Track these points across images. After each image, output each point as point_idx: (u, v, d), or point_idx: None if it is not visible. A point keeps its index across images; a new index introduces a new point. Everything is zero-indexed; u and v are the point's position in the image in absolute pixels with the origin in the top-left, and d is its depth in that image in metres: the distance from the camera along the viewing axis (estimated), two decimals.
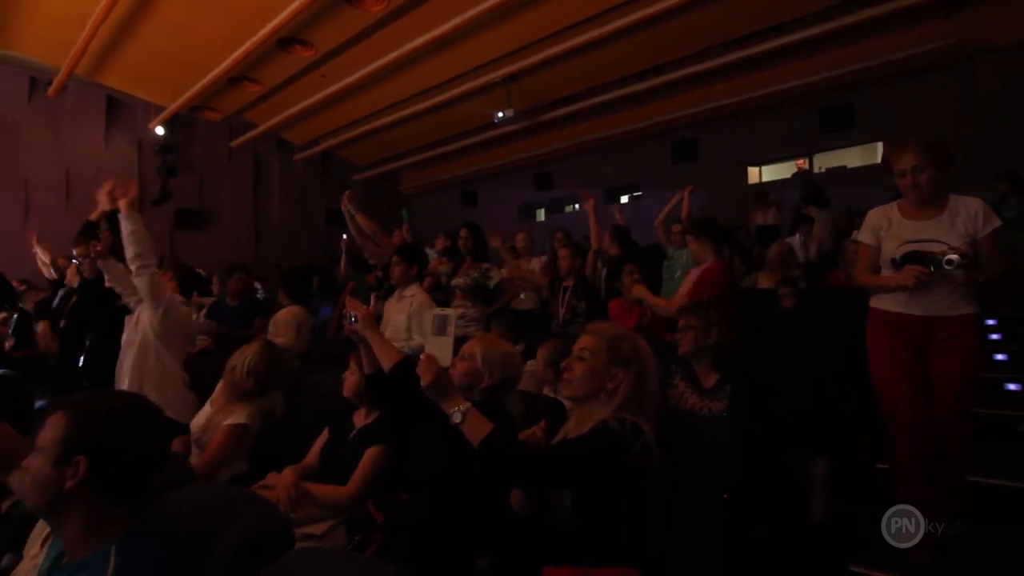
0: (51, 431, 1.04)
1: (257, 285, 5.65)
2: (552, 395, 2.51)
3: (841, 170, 7.75)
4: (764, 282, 4.19)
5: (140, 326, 2.66)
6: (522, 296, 4.30)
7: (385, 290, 3.91)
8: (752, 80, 7.14)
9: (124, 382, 2.60)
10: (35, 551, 1.53)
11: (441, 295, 3.77)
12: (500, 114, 7.57)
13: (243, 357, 2.34)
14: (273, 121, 8.49)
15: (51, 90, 7.27)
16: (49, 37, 6.33)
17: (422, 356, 1.49)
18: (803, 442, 2.16)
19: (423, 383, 1.45)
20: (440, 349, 1.52)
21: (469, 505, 1.63)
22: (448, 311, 1.53)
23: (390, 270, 3.43)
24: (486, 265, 3.91)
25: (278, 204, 9.84)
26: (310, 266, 5.58)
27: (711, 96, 7.59)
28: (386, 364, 1.66)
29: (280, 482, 1.84)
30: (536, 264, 4.34)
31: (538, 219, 10.70)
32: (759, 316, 3.40)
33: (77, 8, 5.66)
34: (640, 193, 9.27)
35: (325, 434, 2.33)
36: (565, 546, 1.42)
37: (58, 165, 7.61)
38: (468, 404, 1.44)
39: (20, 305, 4.68)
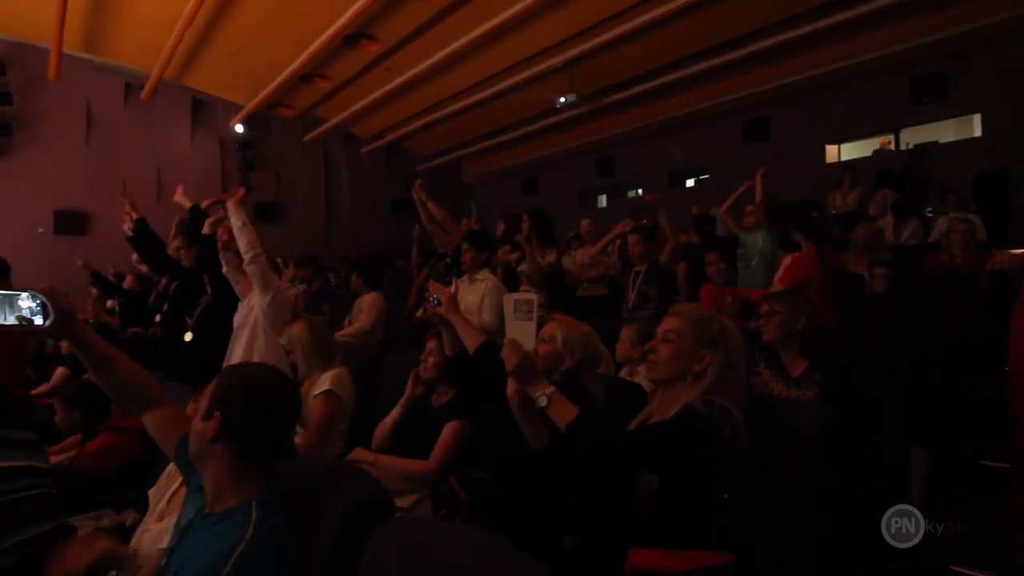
0: (209, 390, 1.16)
1: (330, 275, 5.93)
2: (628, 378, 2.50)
3: (932, 146, 7.17)
4: (849, 266, 3.95)
5: (252, 311, 2.86)
6: (584, 284, 4.26)
7: (454, 275, 3.99)
8: (831, 52, 6.71)
9: (235, 361, 2.82)
10: (162, 506, 1.69)
11: (514, 284, 3.81)
12: (562, 99, 7.50)
13: (289, 338, 2.49)
14: (342, 116, 8.80)
15: (144, 94, 7.85)
16: (141, 43, 6.82)
17: (506, 340, 1.49)
18: (901, 433, 2.04)
19: (508, 367, 1.46)
20: (523, 333, 1.52)
21: (551, 486, 1.65)
22: (530, 295, 1.52)
23: (462, 256, 3.46)
24: (550, 250, 3.91)
25: (347, 196, 10.21)
26: (383, 255, 5.77)
27: (785, 72, 7.20)
28: (471, 346, 1.70)
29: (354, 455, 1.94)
30: (599, 249, 4.27)
31: (599, 205, 10.56)
32: (844, 300, 3.22)
33: (165, 13, 6.06)
34: (707, 176, 8.95)
35: (394, 413, 2.41)
36: (651, 528, 1.41)
37: (150, 164, 8.22)
38: (553, 388, 1.44)
39: (125, 288, 5.14)
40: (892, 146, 7.52)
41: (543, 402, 1.42)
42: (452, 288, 1.89)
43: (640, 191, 9.97)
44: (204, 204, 3.60)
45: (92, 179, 7.75)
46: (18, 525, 1.88)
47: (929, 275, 3.50)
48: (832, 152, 8.08)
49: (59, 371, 3.88)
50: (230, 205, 2.84)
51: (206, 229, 3.13)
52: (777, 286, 2.57)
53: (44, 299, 1.13)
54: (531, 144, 10.00)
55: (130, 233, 3.88)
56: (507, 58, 7.22)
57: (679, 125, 8.70)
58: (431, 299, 1.81)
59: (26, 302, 1.13)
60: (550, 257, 3.94)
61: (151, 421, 1.32)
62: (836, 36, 6.37)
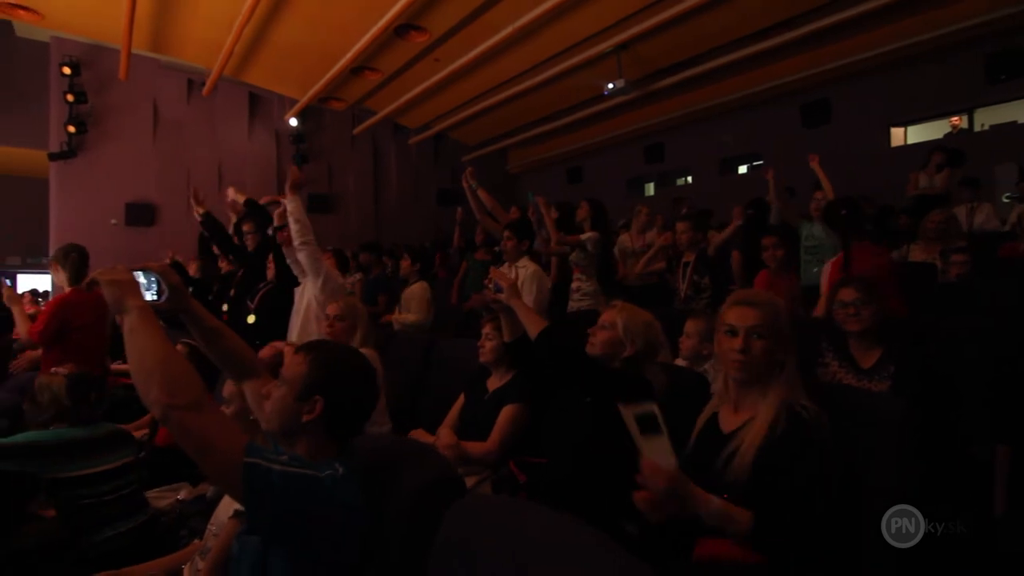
0: (295, 368, 1.20)
1: (386, 260, 6.07)
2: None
3: (1010, 127, 6.68)
4: (917, 254, 3.74)
5: (305, 296, 2.97)
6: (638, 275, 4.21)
7: (501, 263, 4.02)
8: (896, 29, 6.32)
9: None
10: None
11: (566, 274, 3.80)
12: (610, 85, 7.37)
13: (347, 307, 2.56)
14: (390, 107, 8.94)
15: (205, 90, 8.20)
16: (202, 42, 7.10)
17: (646, 464, 1.26)
18: (983, 428, 1.93)
19: (654, 499, 1.25)
20: (658, 450, 1.23)
21: (613, 475, 1.64)
22: (650, 405, 1.26)
23: (502, 244, 3.46)
24: (589, 235, 3.84)
25: (395, 186, 10.39)
26: (434, 244, 5.86)
27: (846, 51, 6.84)
28: (532, 331, 1.70)
29: (441, 441, 1.98)
30: (652, 237, 4.21)
31: (647, 193, 10.36)
32: (914, 290, 3.06)
33: (225, 12, 6.29)
34: (761, 162, 8.63)
35: (462, 399, 2.46)
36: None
37: (211, 157, 8.58)
38: (718, 500, 1.23)
39: (190, 276, 5.42)
40: (964, 126, 7.06)
41: (713, 520, 1.22)
42: (511, 275, 1.90)
43: (690, 178, 9.73)
44: (261, 201, 3.77)
45: (158, 173, 8.17)
46: (108, 521, 2.05)
47: (1007, 263, 3.28)
48: (898, 135, 7.65)
49: None
50: (287, 190, 2.95)
51: (277, 221, 3.28)
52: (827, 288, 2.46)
53: (157, 277, 1.21)
54: (577, 132, 9.90)
55: (201, 225, 4.13)
56: (555, 45, 7.15)
57: (732, 109, 8.42)
58: (491, 285, 1.82)
59: (140, 280, 1.21)
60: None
61: (249, 389, 1.41)
62: (902, 11, 6.00)
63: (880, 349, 1.92)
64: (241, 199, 3.81)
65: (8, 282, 2.95)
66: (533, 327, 1.71)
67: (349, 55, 7.13)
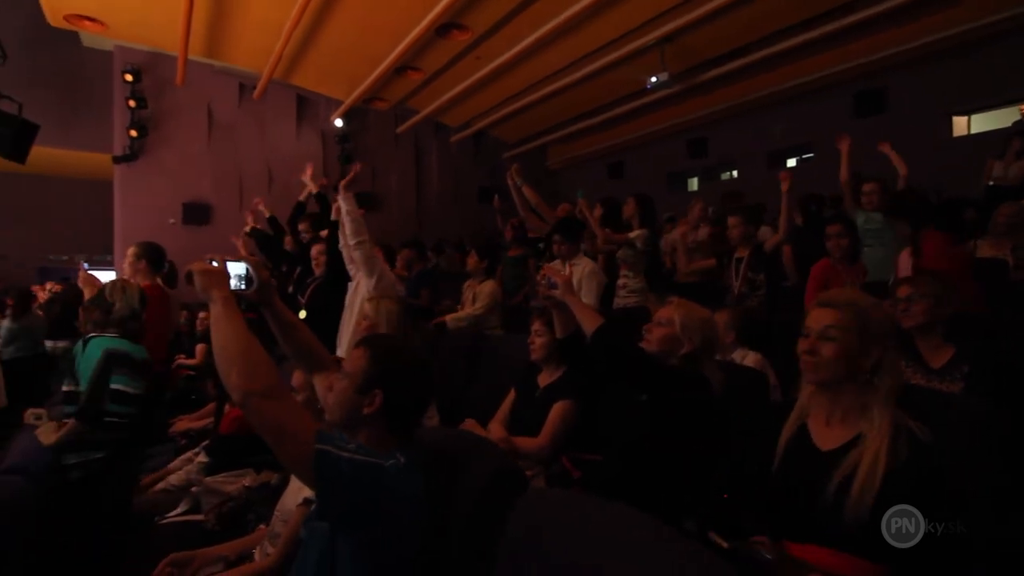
0: (356, 362, 1.25)
1: (430, 254, 6.18)
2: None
3: None
4: (986, 250, 3.55)
5: (359, 292, 3.05)
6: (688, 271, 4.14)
7: (546, 259, 4.02)
8: (958, 12, 5.99)
9: (343, 339, 3.02)
10: None
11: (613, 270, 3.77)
12: (653, 79, 7.25)
13: (379, 309, 2.61)
14: (432, 106, 9.04)
15: (256, 93, 8.48)
16: (253, 46, 7.34)
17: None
18: None
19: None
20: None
21: (670, 472, 1.63)
22: None
23: (554, 247, 3.45)
24: (638, 232, 3.79)
25: (436, 184, 10.52)
26: (497, 239, 5.89)
27: (904, 36, 6.51)
28: (588, 327, 1.70)
29: (492, 436, 2.00)
30: (704, 233, 4.13)
31: (690, 188, 10.16)
32: (984, 287, 2.91)
33: (274, 16, 6.48)
34: (812, 154, 8.34)
35: (512, 394, 2.48)
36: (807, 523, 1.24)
37: (261, 158, 8.88)
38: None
39: None
40: None
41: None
42: (566, 271, 1.91)
43: (735, 173, 9.48)
44: (319, 184, 3.91)
45: (213, 174, 8.50)
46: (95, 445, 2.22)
47: None
48: (961, 124, 7.26)
49: (200, 347, 4.33)
50: (341, 188, 3.03)
51: (335, 215, 3.39)
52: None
53: (251, 270, 1.29)
54: (618, 128, 9.77)
55: (247, 232, 4.36)
56: (596, 40, 7.08)
57: (780, 100, 8.16)
58: (545, 281, 1.83)
59: (235, 270, 1.30)
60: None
61: (318, 381, 1.47)
62: None
63: (951, 348, 1.84)
64: (315, 188, 4.01)
65: (86, 265, 3.15)
66: (589, 323, 1.71)
67: (393, 55, 7.24)
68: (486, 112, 9.46)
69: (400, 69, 7.83)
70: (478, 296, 3.73)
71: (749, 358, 2.45)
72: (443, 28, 6.80)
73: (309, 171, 4.28)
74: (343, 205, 3.01)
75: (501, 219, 5.20)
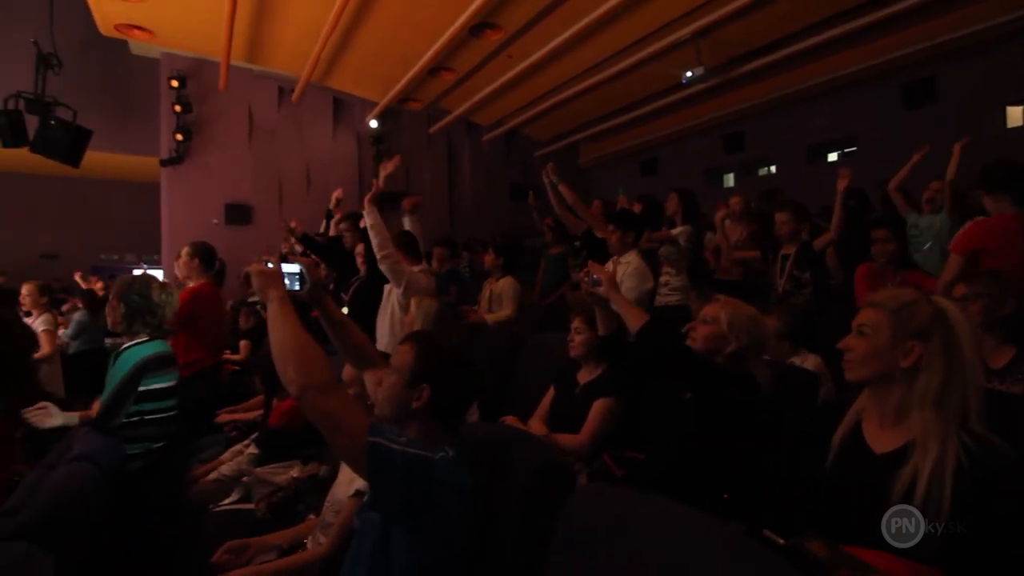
0: (404, 357, 1.29)
1: (466, 253, 6.23)
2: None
3: None
4: None
5: (392, 296, 3.10)
6: (724, 265, 4.07)
7: (583, 259, 4.01)
8: None
9: (381, 337, 3.09)
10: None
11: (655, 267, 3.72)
12: (688, 73, 7.13)
13: (419, 308, 2.63)
14: (465, 106, 9.10)
15: (294, 96, 8.70)
16: (292, 50, 7.53)
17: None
18: None
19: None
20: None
21: (716, 471, 1.61)
22: None
23: (608, 238, 3.38)
24: (681, 229, 3.75)
25: (468, 183, 10.59)
26: (519, 238, 5.92)
27: (954, 24, 6.24)
28: (633, 325, 1.70)
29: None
30: (744, 231, 4.05)
31: (726, 185, 9.97)
32: None
33: (312, 20, 6.63)
34: (855, 148, 8.08)
35: (552, 391, 2.49)
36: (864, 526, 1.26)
37: (300, 160, 9.10)
38: None
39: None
40: None
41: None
42: (610, 269, 1.91)
43: (773, 168, 9.26)
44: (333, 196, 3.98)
45: (253, 175, 8.76)
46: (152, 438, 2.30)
47: None
48: (1015, 115, 6.92)
49: (243, 343, 4.48)
50: (365, 202, 3.07)
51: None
52: (953, 258, 2.25)
53: (304, 271, 1.35)
54: (651, 124, 9.65)
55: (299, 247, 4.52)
56: (629, 35, 7.00)
57: (821, 93, 7.92)
58: (588, 279, 1.83)
59: (289, 270, 1.36)
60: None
61: (368, 377, 1.52)
62: None
63: (1012, 348, 1.77)
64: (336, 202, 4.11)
65: (145, 266, 3.30)
66: (634, 321, 1.70)
67: (427, 56, 7.33)
68: (518, 111, 9.48)
69: (433, 70, 7.91)
70: (499, 296, 3.73)
71: (809, 361, 2.39)
72: (476, 28, 6.84)
73: (337, 194, 4.43)
74: (367, 218, 3.01)
75: (537, 216, 5.21)
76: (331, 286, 3.85)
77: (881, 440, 1.25)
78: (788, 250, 3.16)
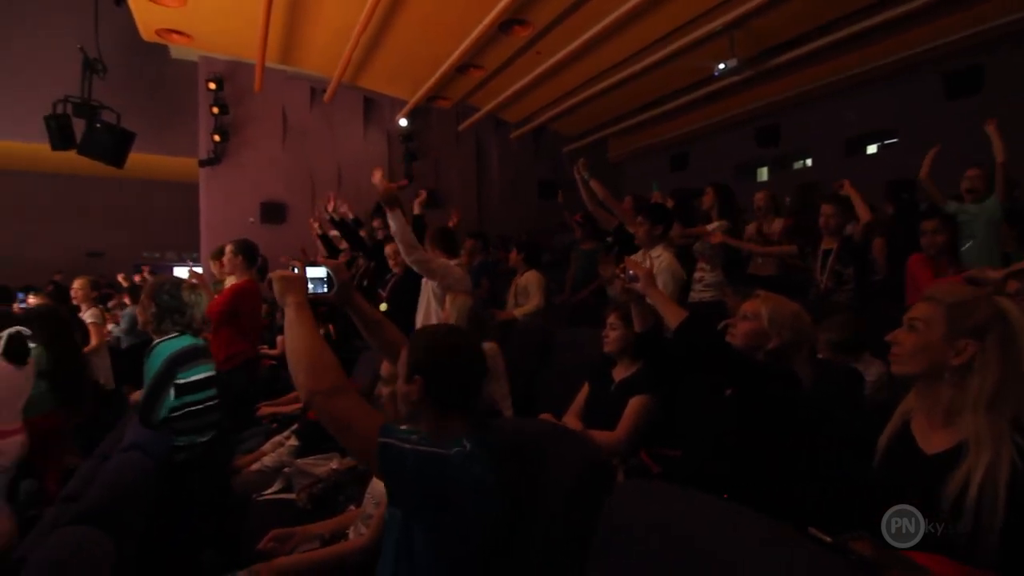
0: (403, 355, 1.31)
1: (498, 250, 6.28)
2: None
3: None
4: None
5: (427, 290, 3.15)
6: (759, 260, 4.01)
7: (616, 254, 3.99)
8: None
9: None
10: None
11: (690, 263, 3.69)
12: (721, 65, 6.98)
13: (455, 305, 2.69)
14: (493, 103, 9.11)
15: (326, 97, 8.84)
16: (324, 51, 7.66)
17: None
18: None
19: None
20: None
21: (757, 468, 1.59)
22: None
23: (636, 230, 3.37)
24: (717, 225, 3.69)
25: (496, 180, 10.62)
26: (542, 235, 5.94)
27: (1004, 8, 5.98)
28: (673, 321, 1.69)
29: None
30: (778, 225, 3.97)
31: (759, 179, 9.76)
32: None
33: (343, 21, 6.73)
34: (895, 140, 7.82)
35: (586, 388, 2.49)
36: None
37: (331, 160, 9.25)
38: None
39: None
40: None
41: None
42: (647, 264, 1.90)
43: (809, 161, 9.03)
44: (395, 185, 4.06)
45: (287, 175, 8.94)
46: (197, 430, 2.34)
47: None
48: None
49: (281, 339, 4.60)
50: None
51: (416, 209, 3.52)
52: None
53: (331, 273, 1.37)
54: (681, 118, 9.50)
55: (330, 229, 4.59)
56: (660, 28, 6.90)
57: (859, 84, 7.67)
58: (625, 274, 1.83)
59: (315, 274, 1.37)
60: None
61: None
62: None
63: None
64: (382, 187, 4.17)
65: (197, 268, 3.42)
66: (672, 317, 1.69)
67: (456, 54, 7.36)
68: (546, 107, 9.45)
69: (462, 67, 7.94)
70: (524, 289, 3.75)
71: (873, 368, 2.29)
72: (505, 24, 6.84)
73: (379, 175, 4.45)
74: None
75: (567, 214, 5.20)
76: (365, 282, 3.92)
77: (932, 440, 1.22)
78: (829, 245, 3.07)
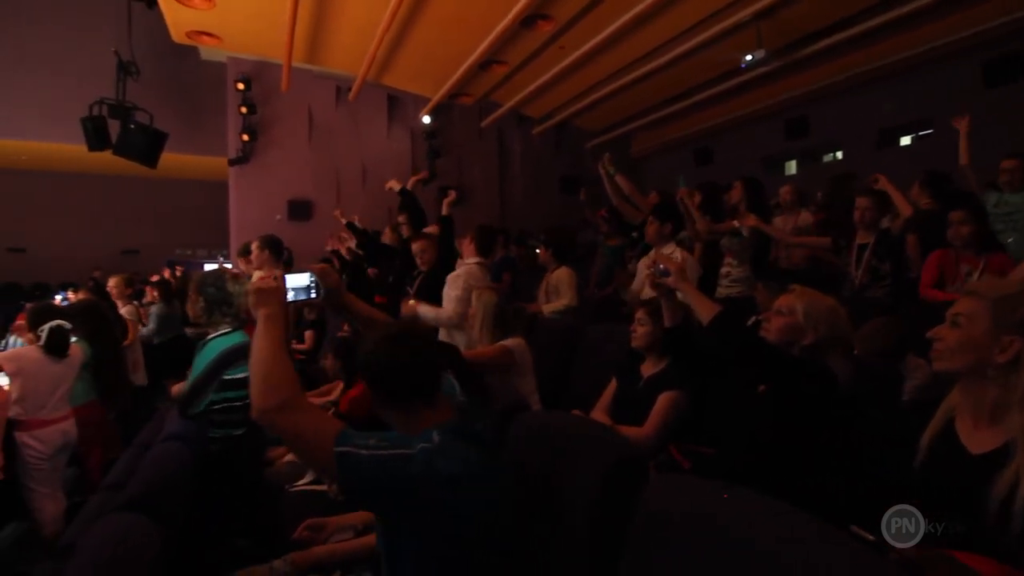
0: None
1: (519, 247, 6.30)
2: None
3: None
4: None
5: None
6: (787, 254, 3.94)
7: (640, 249, 3.96)
8: None
9: (446, 333, 3.18)
10: None
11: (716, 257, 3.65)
12: (748, 57, 6.86)
13: (480, 301, 2.69)
14: (516, 99, 9.11)
15: (351, 95, 8.94)
16: (349, 50, 7.73)
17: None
18: None
19: None
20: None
21: (794, 465, 1.57)
22: None
23: (645, 229, 3.45)
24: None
25: (519, 176, 10.61)
26: (571, 230, 5.95)
27: None
28: (705, 316, 1.67)
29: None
30: (806, 218, 3.89)
31: (787, 172, 9.57)
32: None
33: (368, 20, 6.79)
34: (931, 131, 7.58)
35: (614, 383, 2.48)
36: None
37: (356, 157, 9.37)
38: None
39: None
40: None
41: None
42: (678, 258, 1.88)
43: (839, 154, 8.82)
44: (409, 184, 4.11)
45: (313, 173, 9.08)
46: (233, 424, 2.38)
47: None
48: None
49: (308, 333, 4.69)
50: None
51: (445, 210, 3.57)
52: None
53: (316, 278, 1.40)
54: (706, 111, 9.37)
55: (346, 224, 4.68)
56: (685, 20, 6.80)
57: (892, 73, 7.47)
58: (656, 269, 1.81)
59: (302, 281, 1.40)
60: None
61: None
62: None
63: None
64: (398, 186, 4.25)
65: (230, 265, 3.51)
66: (705, 311, 1.67)
67: (479, 50, 7.37)
68: (569, 102, 9.40)
69: (485, 63, 7.95)
70: (555, 286, 3.72)
71: (922, 369, 2.20)
72: (528, 20, 6.81)
73: (393, 182, 4.60)
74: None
75: (589, 211, 5.18)
76: (391, 278, 3.96)
77: (977, 440, 1.19)
78: (865, 239, 2.98)
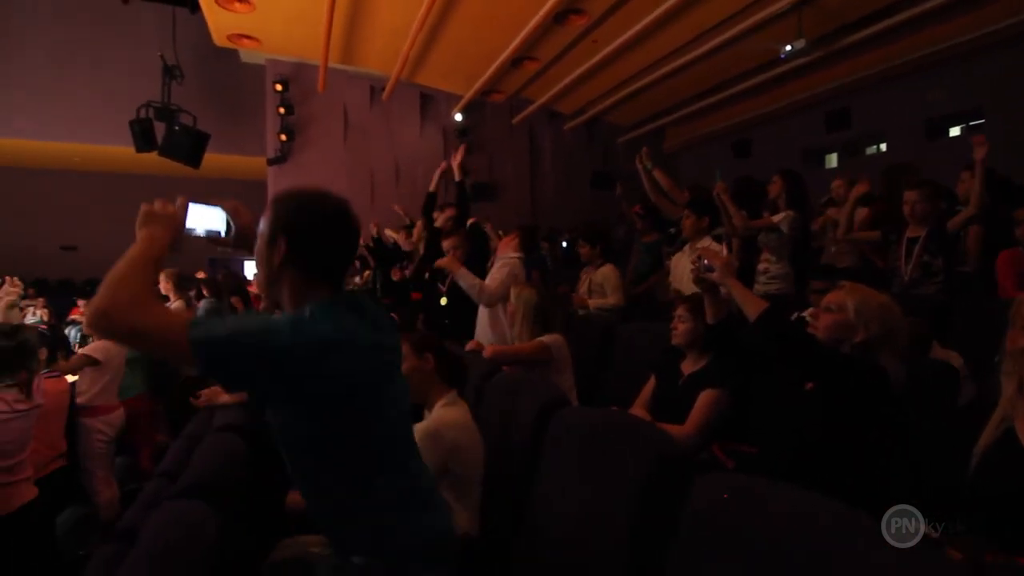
0: (264, 218, 1.20)
1: (544, 244, 6.30)
2: None
3: None
4: None
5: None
6: (833, 250, 3.83)
7: (677, 245, 3.91)
8: None
9: (481, 324, 3.20)
10: None
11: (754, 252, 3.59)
12: (788, 47, 6.67)
13: (518, 298, 2.72)
14: (547, 95, 9.08)
15: (385, 94, 9.07)
16: (383, 50, 7.84)
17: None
18: None
19: None
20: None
21: (843, 465, 1.53)
22: None
23: (682, 223, 3.41)
24: (783, 215, 3.55)
25: (550, 172, 10.58)
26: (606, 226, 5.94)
27: None
28: (751, 312, 1.64)
29: None
30: (862, 214, 3.76)
31: (828, 165, 9.29)
32: None
33: (401, 20, 6.86)
34: (982, 120, 7.25)
35: (653, 381, 2.46)
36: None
37: (390, 156, 9.49)
38: None
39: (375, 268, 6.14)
40: None
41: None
42: (724, 254, 1.86)
43: (883, 146, 8.51)
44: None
45: (348, 172, 9.24)
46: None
47: None
48: None
49: None
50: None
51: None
52: None
53: (228, 215, 1.31)
54: (742, 104, 9.15)
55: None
56: (722, 11, 6.66)
57: (940, 61, 7.15)
58: (701, 264, 1.79)
59: (215, 216, 1.30)
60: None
61: None
62: None
63: None
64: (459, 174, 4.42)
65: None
66: (752, 308, 1.64)
67: (511, 47, 7.37)
68: (601, 97, 9.32)
69: (517, 60, 7.95)
70: (600, 284, 3.69)
71: (952, 359, 2.17)
72: (561, 15, 6.78)
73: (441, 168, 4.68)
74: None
75: (625, 206, 5.13)
76: (426, 274, 4.04)
77: None
78: (915, 233, 2.86)
